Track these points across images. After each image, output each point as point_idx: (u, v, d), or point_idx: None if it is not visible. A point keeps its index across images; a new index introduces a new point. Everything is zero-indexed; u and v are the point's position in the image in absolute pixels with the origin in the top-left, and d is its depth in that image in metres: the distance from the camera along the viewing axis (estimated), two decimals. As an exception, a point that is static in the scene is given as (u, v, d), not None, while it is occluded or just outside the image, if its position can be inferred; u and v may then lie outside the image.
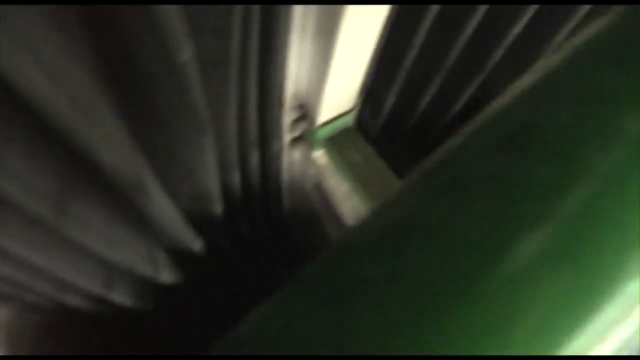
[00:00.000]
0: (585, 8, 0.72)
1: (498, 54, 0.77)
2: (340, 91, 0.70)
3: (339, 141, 0.75)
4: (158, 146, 0.53)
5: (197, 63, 0.50)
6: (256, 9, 0.53)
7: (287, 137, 0.80)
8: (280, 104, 0.73)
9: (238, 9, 0.46)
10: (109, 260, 0.64)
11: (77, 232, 0.54)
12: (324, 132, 0.75)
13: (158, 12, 0.34)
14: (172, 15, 0.35)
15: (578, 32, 0.32)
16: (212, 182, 0.71)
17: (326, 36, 0.61)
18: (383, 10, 0.60)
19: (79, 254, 0.62)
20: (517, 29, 0.74)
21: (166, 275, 0.80)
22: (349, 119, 0.75)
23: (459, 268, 0.25)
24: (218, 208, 0.81)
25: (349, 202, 0.77)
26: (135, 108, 0.45)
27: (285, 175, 0.90)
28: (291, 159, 0.85)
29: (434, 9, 0.68)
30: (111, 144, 0.44)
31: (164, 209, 0.62)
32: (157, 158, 0.56)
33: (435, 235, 0.26)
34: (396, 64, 0.77)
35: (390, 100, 0.83)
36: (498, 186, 0.26)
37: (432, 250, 0.26)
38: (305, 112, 0.74)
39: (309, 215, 0.93)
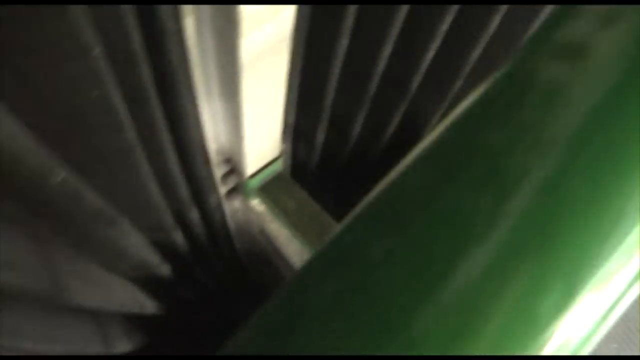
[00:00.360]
0: (495, 23, 0.73)
1: (417, 79, 0.77)
2: (260, 142, 0.70)
3: (271, 189, 0.75)
4: (74, 249, 0.53)
5: (93, 159, 0.50)
6: (150, 86, 0.53)
7: (222, 189, 0.80)
8: (206, 161, 0.73)
9: (120, 102, 0.45)
10: (53, 352, 0.64)
11: (8, 340, 0.54)
12: (254, 183, 0.75)
13: (17, 150, 0.34)
14: (30, 148, 0.35)
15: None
16: (148, 252, 0.71)
17: (231, 97, 0.61)
18: (283, 60, 0.60)
19: (20, 354, 0.62)
20: (431, 52, 0.74)
21: (123, 345, 0.79)
22: (278, 166, 0.76)
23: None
24: (165, 270, 0.80)
25: (292, 245, 0.77)
26: (34, 225, 0.45)
27: (231, 222, 0.89)
28: (232, 207, 0.85)
29: (344, 43, 0.69)
30: (15, 268, 0.43)
31: (96, 298, 0.61)
32: (80, 254, 0.56)
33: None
34: (317, 101, 0.77)
35: (320, 137, 0.83)
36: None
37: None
38: (233, 166, 0.74)
39: (262, 256, 0.93)
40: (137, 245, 0.65)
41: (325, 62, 0.71)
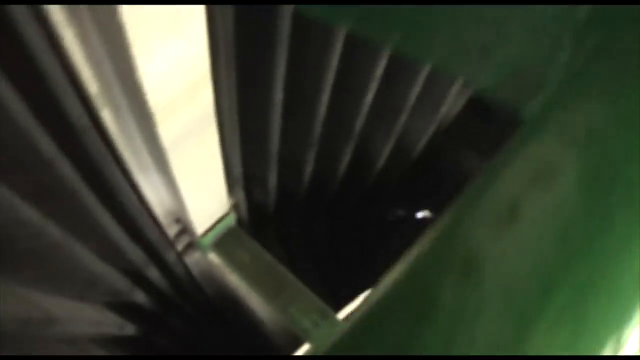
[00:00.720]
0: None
1: (360, 120, 0.77)
2: (205, 203, 0.70)
3: (224, 245, 0.75)
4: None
5: (17, 259, 0.50)
6: (76, 181, 0.52)
7: (180, 244, 0.80)
8: (155, 225, 0.73)
9: (34, 214, 0.45)
10: None
11: None
12: (207, 240, 0.75)
13: None
14: None
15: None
16: (105, 323, 0.71)
17: (164, 171, 0.61)
18: (212, 132, 0.60)
19: None
20: (370, 95, 0.74)
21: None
22: (230, 221, 0.75)
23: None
24: (130, 330, 0.80)
25: (252, 297, 0.77)
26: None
27: (196, 271, 0.89)
28: (193, 258, 0.85)
29: (278, 98, 0.68)
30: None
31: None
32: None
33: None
34: (263, 149, 0.77)
35: (272, 182, 0.83)
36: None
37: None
38: (184, 226, 0.74)
39: (231, 298, 0.94)
40: (91, 325, 0.65)
41: (262, 114, 0.70)
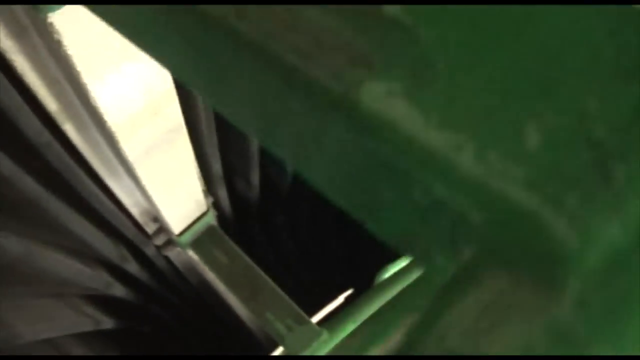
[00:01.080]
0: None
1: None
2: (181, 205, 0.70)
3: (202, 243, 0.74)
4: None
5: None
6: (42, 195, 0.52)
7: (159, 240, 0.80)
8: (132, 223, 0.73)
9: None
10: None
11: None
12: (186, 238, 0.74)
13: None
14: None
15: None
16: (88, 314, 0.72)
17: (134, 179, 0.60)
18: (182, 141, 0.59)
19: None
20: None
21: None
22: (209, 219, 0.75)
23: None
24: (108, 324, 0.81)
25: (230, 296, 0.77)
26: None
27: (177, 263, 0.89)
28: (174, 252, 0.85)
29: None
30: None
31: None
32: None
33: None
34: (244, 146, 0.76)
35: (255, 177, 0.82)
36: None
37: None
38: (161, 225, 0.74)
39: (214, 289, 0.94)
40: (68, 324, 0.65)
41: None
